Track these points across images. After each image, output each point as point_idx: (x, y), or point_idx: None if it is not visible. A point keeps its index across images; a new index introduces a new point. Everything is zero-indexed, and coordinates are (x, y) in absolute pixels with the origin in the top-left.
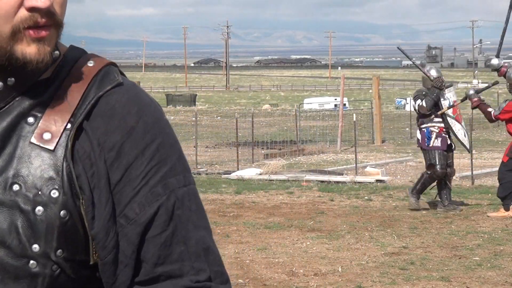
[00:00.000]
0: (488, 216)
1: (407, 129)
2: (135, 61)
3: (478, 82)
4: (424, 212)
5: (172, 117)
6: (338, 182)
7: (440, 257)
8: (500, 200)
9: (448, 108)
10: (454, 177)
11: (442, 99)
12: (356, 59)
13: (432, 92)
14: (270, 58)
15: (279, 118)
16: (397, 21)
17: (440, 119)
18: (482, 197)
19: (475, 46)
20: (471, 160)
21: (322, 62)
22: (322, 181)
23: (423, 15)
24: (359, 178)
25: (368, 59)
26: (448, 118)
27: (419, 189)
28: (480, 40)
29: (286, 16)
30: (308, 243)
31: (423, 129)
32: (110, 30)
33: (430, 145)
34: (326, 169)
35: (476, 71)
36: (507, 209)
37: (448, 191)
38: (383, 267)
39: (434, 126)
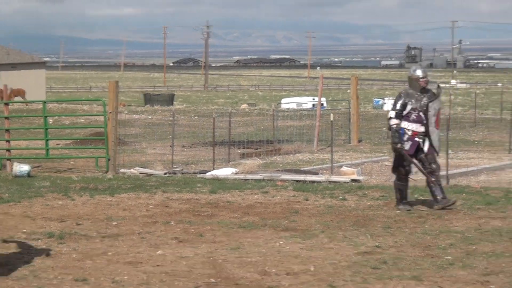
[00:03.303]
0: None
1: (384, 129)
2: (115, 61)
3: (457, 82)
4: (398, 211)
5: (149, 117)
6: (313, 182)
7: (412, 257)
8: None
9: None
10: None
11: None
12: (336, 59)
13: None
14: (249, 58)
15: (257, 118)
16: (377, 21)
17: (419, 124)
18: (457, 197)
19: (454, 46)
20: (447, 159)
21: (301, 62)
22: (297, 181)
23: (403, 16)
24: (334, 178)
25: (348, 59)
26: (430, 127)
27: (400, 197)
28: (460, 40)
29: (266, 16)
30: (282, 242)
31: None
32: (90, 30)
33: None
34: (301, 169)
35: (455, 71)
36: None
37: (439, 187)
38: (356, 266)
39: (409, 130)
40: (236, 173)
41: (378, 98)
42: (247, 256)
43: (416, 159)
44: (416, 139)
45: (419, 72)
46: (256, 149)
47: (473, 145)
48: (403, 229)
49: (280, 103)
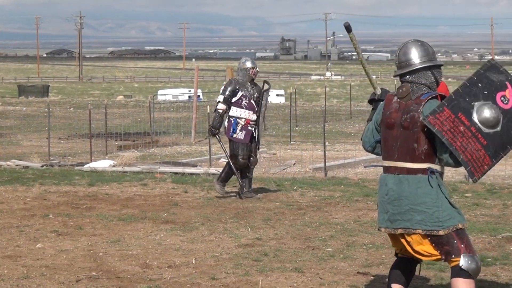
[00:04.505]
0: None
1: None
2: None
3: (332, 74)
4: (277, 203)
5: (24, 108)
6: (192, 174)
7: (293, 248)
8: None
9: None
10: (308, 169)
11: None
12: (211, 51)
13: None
14: (124, 49)
15: (133, 110)
16: (250, 13)
17: (251, 111)
18: (335, 189)
19: (328, 38)
20: (324, 151)
21: (176, 54)
22: (176, 173)
23: (276, 7)
24: (213, 170)
25: (222, 51)
26: (260, 117)
27: (223, 177)
28: (333, 32)
29: (140, 7)
30: (162, 235)
31: (231, 119)
32: None
33: (234, 136)
34: (180, 161)
35: (329, 64)
36: None
37: (248, 180)
38: (237, 258)
39: (242, 118)
40: (114, 165)
41: None
42: (127, 249)
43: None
44: (249, 128)
45: (249, 64)
46: (134, 141)
47: (349, 137)
48: (283, 221)
49: (156, 94)
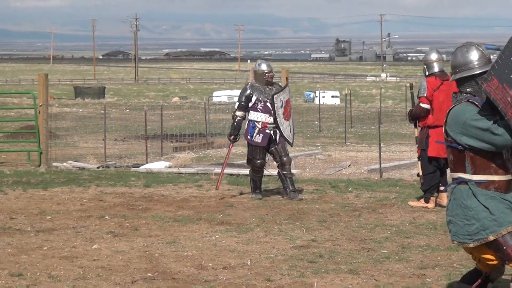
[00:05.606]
0: (408, 204)
1: (316, 122)
2: (43, 53)
3: (387, 76)
4: (332, 205)
5: (80, 110)
6: (247, 175)
7: (348, 250)
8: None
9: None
10: (363, 170)
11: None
12: (265, 52)
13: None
14: (179, 51)
15: (188, 111)
16: (305, 14)
17: (267, 114)
18: (390, 190)
19: (383, 39)
20: (379, 153)
21: (231, 55)
22: (231, 174)
23: (331, 9)
24: (267, 171)
25: (277, 52)
26: (278, 118)
27: (253, 187)
28: (389, 34)
29: (194, 8)
30: (217, 236)
31: (249, 123)
32: (17, 22)
33: (252, 140)
34: (235, 162)
35: (385, 65)
36: (427, 202)
37: (289, 180)
38: (292, 260)
39: (259, 122)
40: (169, 167)
41: (309, 91)
42: (183, 250)
43: (269, 151)
44: (267, 131)
45: (264, 67)
46: (189, 142)
47: (405, 138)
48: (338, 222)
49: (212, 96)
